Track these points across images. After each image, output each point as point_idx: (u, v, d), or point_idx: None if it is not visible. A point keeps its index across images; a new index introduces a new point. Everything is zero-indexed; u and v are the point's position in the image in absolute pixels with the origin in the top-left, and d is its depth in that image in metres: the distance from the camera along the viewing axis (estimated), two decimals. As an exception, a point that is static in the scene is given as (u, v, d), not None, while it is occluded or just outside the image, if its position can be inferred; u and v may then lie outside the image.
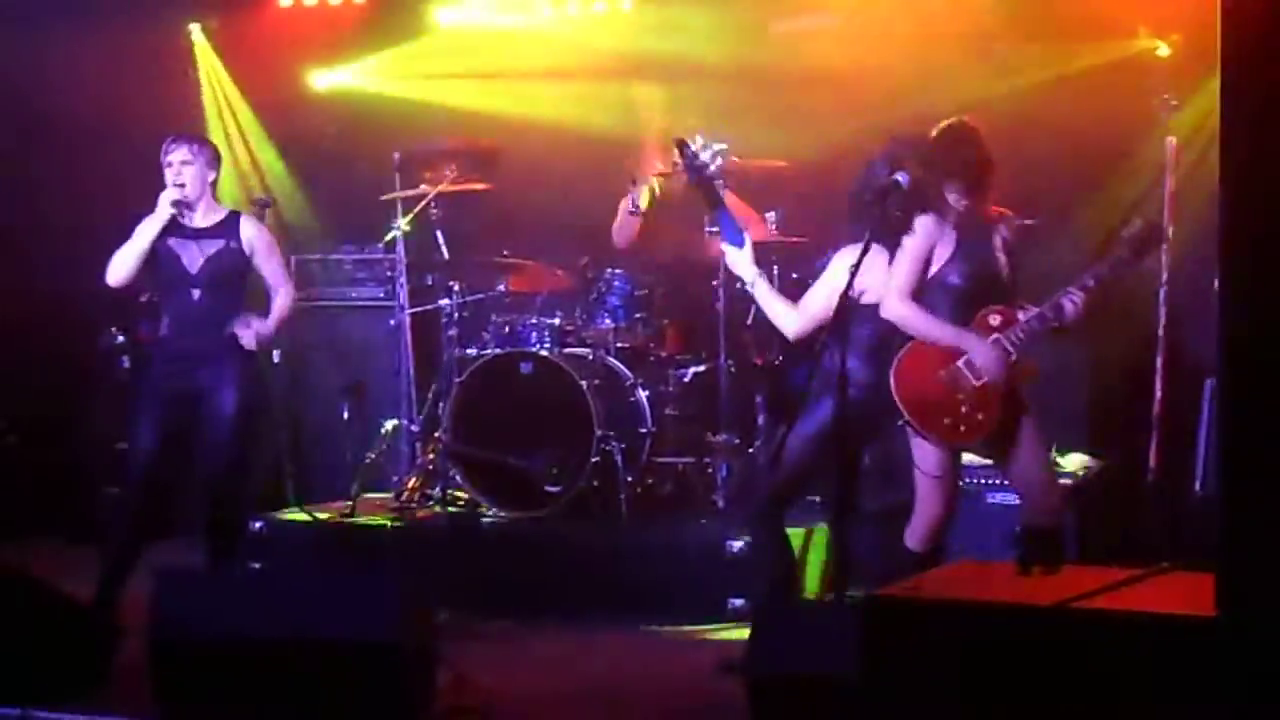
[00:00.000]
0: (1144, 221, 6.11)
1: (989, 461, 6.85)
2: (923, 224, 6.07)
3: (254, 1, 9.76)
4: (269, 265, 7.14)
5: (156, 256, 7.01)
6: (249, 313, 7.05)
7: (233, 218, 7.12)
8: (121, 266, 7.02)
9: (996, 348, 5.95)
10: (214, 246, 7.03)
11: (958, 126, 6.09)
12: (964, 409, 5.96)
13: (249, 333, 6.98)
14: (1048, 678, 4.23)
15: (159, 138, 7.11)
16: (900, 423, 6.02)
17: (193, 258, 7.01)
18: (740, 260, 6.45)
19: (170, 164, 7.00)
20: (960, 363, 5.98)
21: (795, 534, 7.21)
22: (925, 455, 6.04)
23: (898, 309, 6.05)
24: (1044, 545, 5.78)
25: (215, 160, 7.13)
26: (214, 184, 7.12)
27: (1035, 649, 4.25)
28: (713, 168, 6.63)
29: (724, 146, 6.85)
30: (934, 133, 6.11)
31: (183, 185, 6.95)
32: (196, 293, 7.00)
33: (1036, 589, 4.58)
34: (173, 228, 7.02)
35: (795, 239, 8.08)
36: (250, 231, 7.10)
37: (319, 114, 9.90)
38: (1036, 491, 6.15)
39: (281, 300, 7.16)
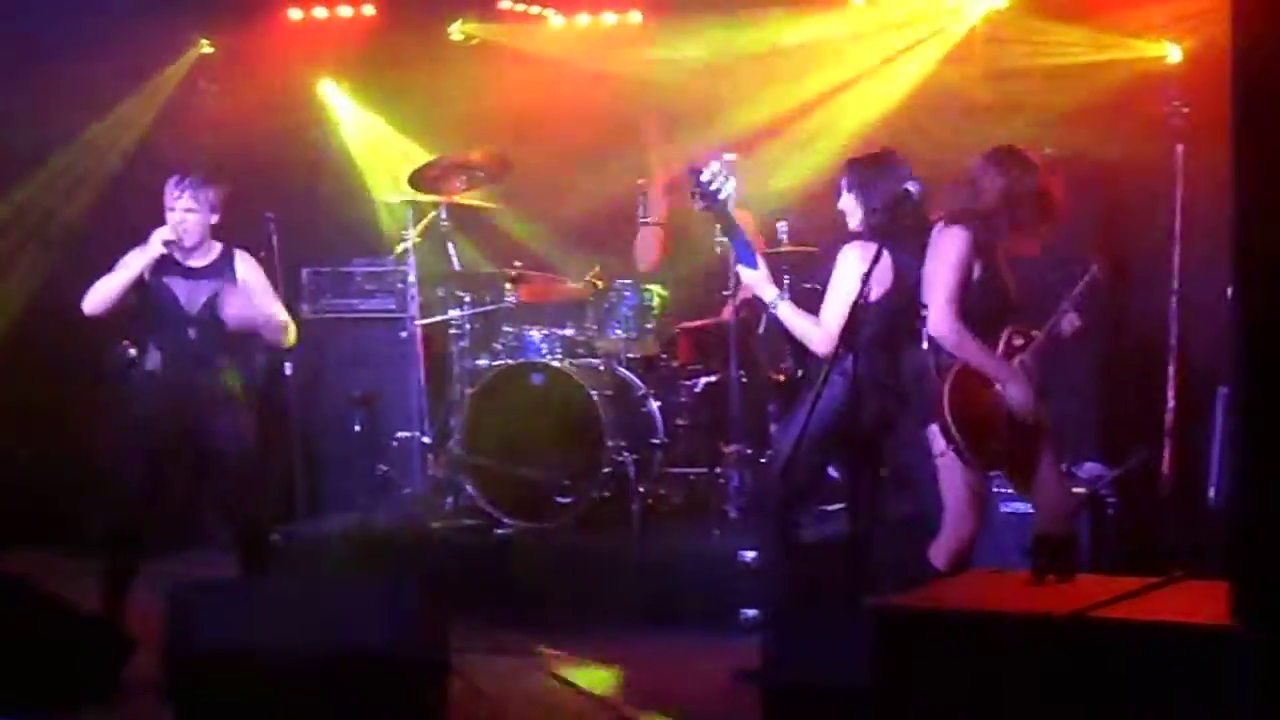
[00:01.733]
0: (1106, 253, 6.23)
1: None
2: (961, 236, 5.97)
3: (264, 15, 9.76)
4: (261, 296, 7.12)
5: (150, 292, 7.00)
6: (244, 346, 7.07)
7: (227, 255, 7.09)
8: (103, 298, 6.99)
9: (1027, 379, 5.94)
10: (212, 287, 7.01)
11: (1027, 154, 6.12)
12: (1006, 433, 5.95)
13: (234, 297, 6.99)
14: (1062, 687, 4.22)
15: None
16: (948, 447, 5.97)
17: (191, 297, 7.00)
18: (757, 281, 6.40)
19: (173, 209, 6.97)
20: (998, 385, 5.96)
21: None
22: (961, 476, 5.99)
23: (945, 327, 5.92)
24: (1057, 554, 5.76)
25: (219, 204, 7.06)
26: (215, 225, 7.08)
27: (1049, 658, 4.24)
28: (725, 194, 6.57)
29: (732, 180, 6.77)
30: (1004, 153, 6.13)
31: (185, 232, 6.94)
32: (192, 331, 6.99)
33: (1050, 598, 4.57)
34: (168, 265, 6.99)
35: (806, 248, 8.08)
36: (245, 269, 7.09)
37: (329, 126, 9.91)
38: (1050, 500, 6.13)
39: (280, 320, 7.16)
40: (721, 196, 6.42)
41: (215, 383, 6.99)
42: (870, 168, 6.35)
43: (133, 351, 8.72)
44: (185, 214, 6.96)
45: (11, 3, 8.93)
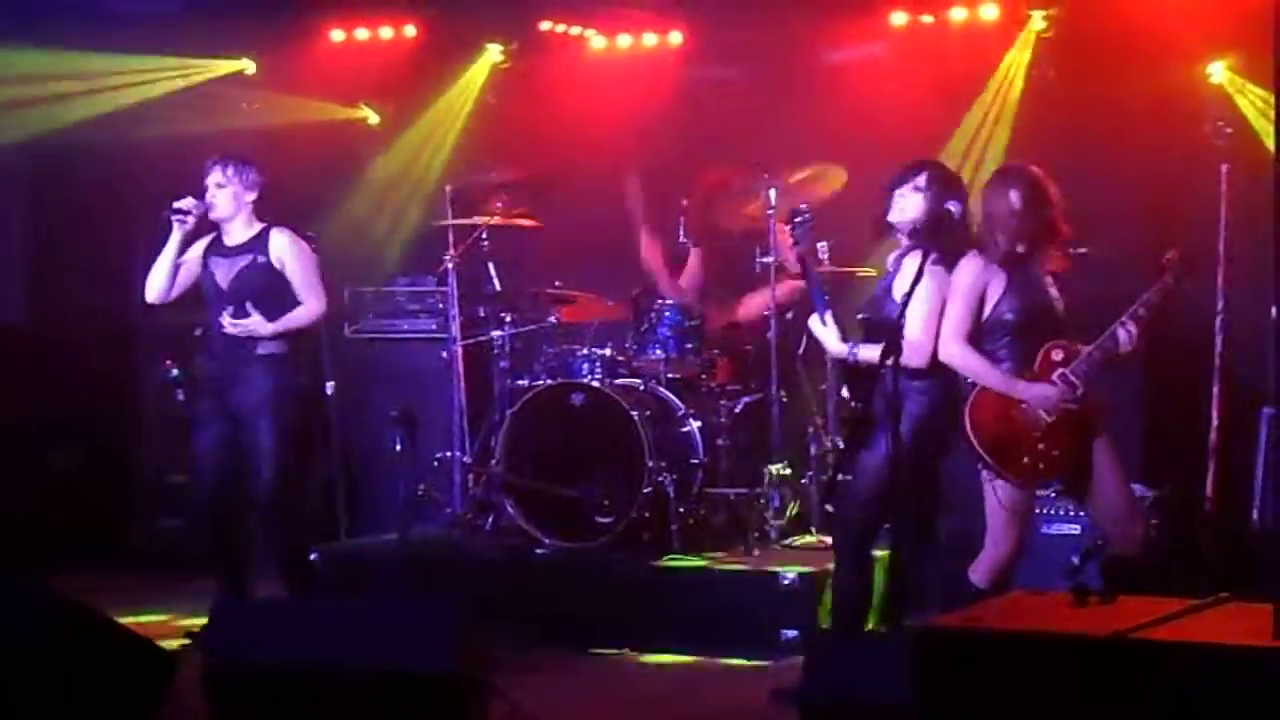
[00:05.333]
0: (1181, 248, 6.10)
1: (1050, 493, 6.83)
2: (970, 264, 6.05)
3: (306, 37, 9.80)
4: (297, 277, 7.19)
5: (200, 274, 7.18)
6: (275, 340, 7.12)
7: (264, 232, 7.20)
8: (154, 284, 7.21)
9: (1055, 386, 5.91)
10: (242, 261, 7.14)
11: (1030, 172, 6.10)
12: (1040, 446, 5.92)
13: (240, 323, 7.03)
14: (1104, 709, 4.19)
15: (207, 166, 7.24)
16: (979, 465, 5.98)
17: (225, 274, 7.16)
18: (827, 336, 6.39)
19: (207, 186, 7.15)
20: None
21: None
22: (1001, 494, 5.97)
23: (952, 351, 6.02)
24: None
25: (255, 182, 7.20)
26: (254, 203, 7.21)
27: (1092, 680, 4.21)
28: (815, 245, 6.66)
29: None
30: (1004, 173, 6.12)
31: (214, 204, 7.12)
32: (229, 309, 7.07)
33: (1093, 619, 4.53)
34: (214, 246, 7.19)
35: (849, 269, 8.08)
36: (281, 244, 7.18)
37: (371, 146, 9.96)
38: (1117, 522, 6.09)
39: (299, 311, 7.20)
40: (811, 244, 6.52)
41: (252, 368, 7.05)
42: (945, 179, 6.36)
43: (175, 371, 8.82)
44: (216, 188, 7.12)
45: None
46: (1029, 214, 6.01)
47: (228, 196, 7.13)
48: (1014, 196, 6.02)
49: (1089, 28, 8.56)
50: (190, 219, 7.12)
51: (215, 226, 7.24)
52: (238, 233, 7.19)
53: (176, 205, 7.10)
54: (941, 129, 8.46)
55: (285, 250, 7.17)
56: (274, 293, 7.14)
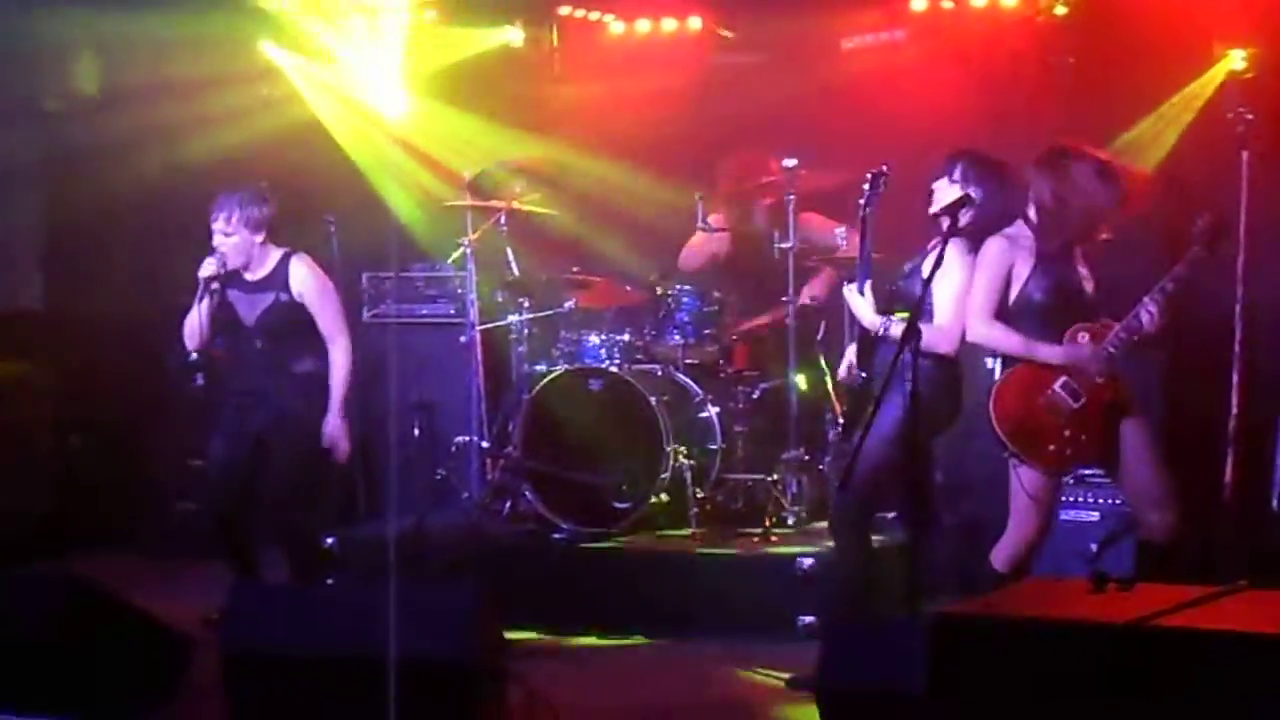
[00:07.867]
0: (1211, 214, 6.04)
1: (1069, 479, 6.82)
2: (995, 245, 6.05)
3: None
4: (321, 314, 7.15)
5: (219, 306, 7.12)
6: (312, 358, 7.10)
7: (283, 265, 7.14)
8: (196, 334, 7.15)
9: (1094, 354, 5.90)
10: (266, 300, 7.11)
11: (1092, 154, 6.08)
12: (1067, 433, 5.90)
13: (339, 449, 7.12)
14: (1122, 697, 4.19)
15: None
16: (1005, 454, 5.97)
17: (249, 311, 7.12)
18: (862, 306, 6.38)
19: (214, 233, 7.09)
20: (1057, 386, 5.92)
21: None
22: (1026, 480, 5.96)
23: (981, 330, 6.02)
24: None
25: (261, 221, 7.10)
26: (265, 238, 7.14)
27: (1109, 667, 4.20)
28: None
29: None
30: (1067, 155, 6.07)
31: (225, 255, 7.05)
32: (257, 342, 7.11)
33: (1110, 607, 4.53)
34: (231, 279, 7.11)
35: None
36: (300, 276, 7.13)
37: (389, 134, 9.94)
38: (1147, 507, 6.06)
39: (339, 361, 7.14)
40: (872, 205, 6.48)
41: (283, 390, 7.05)
42: (974, 166, 6.33)
43: (194, 355, 8.79)
44: (224, 237, 7.06)
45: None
46: (1095, 197, 5.98)
47: (234, 245, 7.06)
48: (1080, 180, 5.99)
49: (1109, 14, 8.52)
50: (221, 277, 7.07)
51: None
52: (255, 266, 7.14)
53: (205, 276, 7.02)
54: (961, 115, 8.41)
55: (305, 283, 7.13)
56: (300, 327, 7.14)
